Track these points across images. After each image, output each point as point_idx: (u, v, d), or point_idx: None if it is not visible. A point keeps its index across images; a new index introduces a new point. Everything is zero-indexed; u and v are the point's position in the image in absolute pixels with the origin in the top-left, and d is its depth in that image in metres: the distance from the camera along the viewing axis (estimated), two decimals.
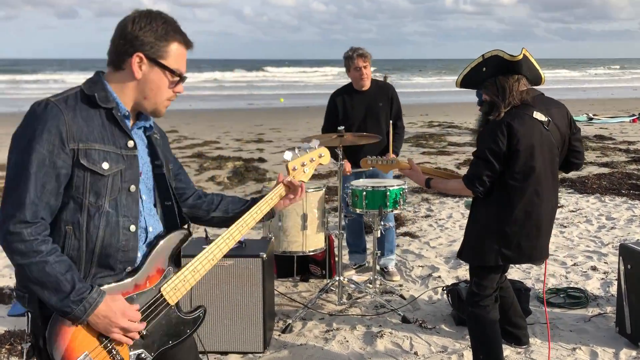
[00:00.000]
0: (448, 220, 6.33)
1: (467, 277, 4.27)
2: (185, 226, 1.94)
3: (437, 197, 7.39)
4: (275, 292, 4.02)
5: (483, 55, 2.80)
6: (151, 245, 1.85)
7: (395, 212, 4.35)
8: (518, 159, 2.72)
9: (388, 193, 4.09)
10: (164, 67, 1.78)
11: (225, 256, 3.40)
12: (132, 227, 1.78)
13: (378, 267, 4.75)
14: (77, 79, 42.20)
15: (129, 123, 1.81)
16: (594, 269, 4.75)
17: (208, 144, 13.18)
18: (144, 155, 1.88)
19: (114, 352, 1.74)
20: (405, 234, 5.80)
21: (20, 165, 1.64)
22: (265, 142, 13.32)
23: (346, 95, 4.66)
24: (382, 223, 4.50)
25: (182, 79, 1.83)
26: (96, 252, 1.73)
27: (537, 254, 2.91)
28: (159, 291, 1.82)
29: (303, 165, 2.21)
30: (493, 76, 2.79)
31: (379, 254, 4.52)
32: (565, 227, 6.03)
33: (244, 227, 1.99)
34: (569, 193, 7.58)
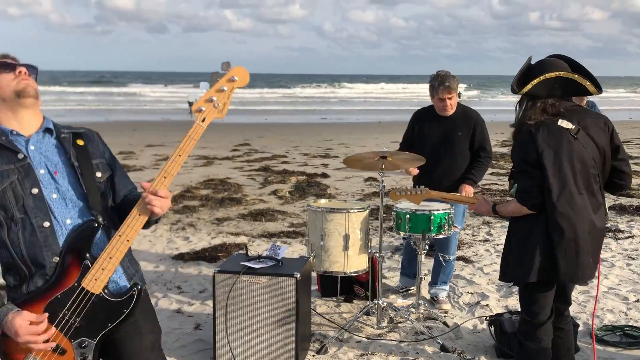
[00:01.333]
0: None
1: (517, 307, 4.12)
2: (90, 218, 2.04)
3: (500, 222, 7.15)
4: (314, 312, 4.02)
5: (545, 76, 2.71)
6: (67, 247, 1.99)
7: (452, 235, 4.25)
8: (546, 169, 2.65)
9: (432, 217, 4.01)
10: None
11: (261, 274, 3.46)
12: (46, 223, 2.00)
13: (428, 296, 4.66)
14: (158, 91, 44.25)
15: (22, 137, 2.06)
16: None
17: (276, 157, 13.42)
18: (53, 156, 2.09)
19: (56, 347, 1.95)
20: (459, 258, 5.65)
21: None
22: (331, 157, 13.40)
23: (426, 118, 4.53)
24: (443, 255, 4.43)
25: (6, 64, 2.04)
26: (25, 254, 1.99)
27: (579, 273, 2.75)
28: (80, 285, 1.97)
29: (211, 101, 2.04)
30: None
31: (423, 278, 4.42)
32: (634, 259, 5.68)
33: (126, 235, 2.01)
34: None
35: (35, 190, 2.00)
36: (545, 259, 2.72)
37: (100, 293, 1.99)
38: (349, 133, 18.81)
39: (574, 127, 2.69)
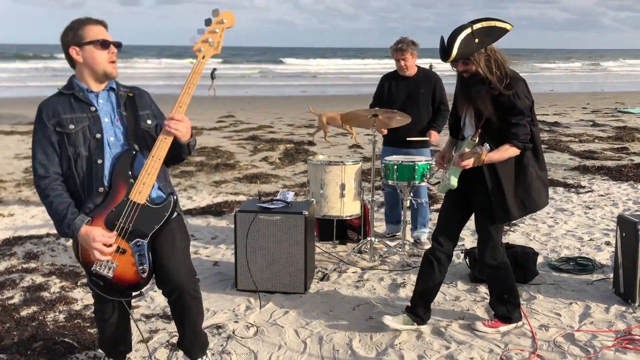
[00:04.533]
0: None
1: None
2: (129, 148, 2.64)
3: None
4: (317, 250, 4.69)
5: (472, 27, 3.06)
6: (113, 171, 2.60)
7: (423, 184, 4.92)
8: (535, 114, 3.22)
9: (416, 167, 4.68)
10: (88, 43, 2.57)
11: (274, 213, 4.10)
12: (99, 161, 2.60)
13: (411, 239, 5.35)
14: (140, 64, 43.96)
15: (93, 94, 2.65)
16: (607, 243, 5.19)
17: (262, 127, 13.98)
18: (110, 109, 2.67)
19: (117, 248, 2.56)
20: (438, 210, 6.35)
21: (32, 146, 2.62)
22: (315, 127, 13.99)
23: (393, 79, 5.24)
24: (415, 199, 5.11)
25: (105, 43, 2.59)
26: (85, 182, 2.60)
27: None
28: (128, 198, 2.56)
29: (207, 42, 2.60)
30: (484, 47, 3.09)
31: (409, 224, 5.12)
32: (591, 208, 6.44)
33: (157, 155, 2.58)
34: (603, 180, 7.91)
35: (98, 135, 2.61)
36: (546, 185, 3.33)
37: (145, 203, 2.59)
38: (330, 105, 19.36)
39: None
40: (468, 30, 3.05)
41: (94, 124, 2.62)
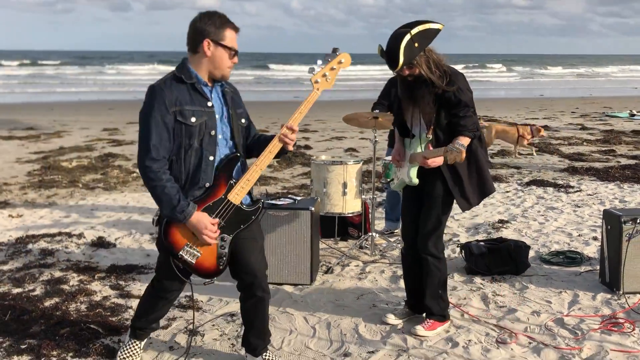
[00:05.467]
0: None
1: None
2: (235, 151, 2.82)
3: None
4: (320, 246, 4.94)
5: (410, 32, 3.18)
6: (218, 168, 2.78)
7: None
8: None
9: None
10: (224, 47, 2.72)
11: (282, 208, 4.35)
12: (211, 158, 2.76)
13: None
14: (135, 70, 44.19)
15: (209, 88, 2.77)
16: (594, 238, 5.48)
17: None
18: (220, 106, 2.81)
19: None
20: None
21: (145, 126, 2.66)
22: (310, 131, 14.27)
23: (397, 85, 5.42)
24: None
25: (236, 52, 2.77)
26: (190, 173, 2.74)
27: None
28: (226, 197, 2.76)
29: (324, 76, 2.84)
30: (423, 49, 3.23)
31: None
32: (579, 207, 6.73)
33: (262, 164, 2.80)
34: (591, 180, 8.22)
35: (212, 132, 2.75)
36: (489, 173, 3.57)
37: (239, 204, 2.79)
38: (324, 110, 19.64)
39: None
40: (408, 37, 3.18)
41: (209, 119, 2.74)
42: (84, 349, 3.31)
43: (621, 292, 4.09)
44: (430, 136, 3.44)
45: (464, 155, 3.18)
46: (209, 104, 2.77)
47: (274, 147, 2.79)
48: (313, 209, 4.34)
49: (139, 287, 4.30)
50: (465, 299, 4.12)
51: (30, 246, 5.33)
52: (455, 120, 3.36)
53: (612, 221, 4.17)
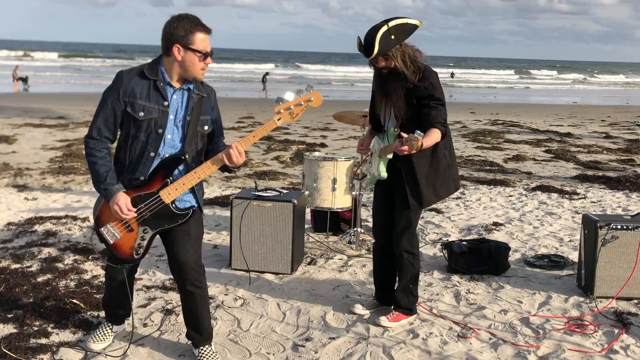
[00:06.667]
0: (475, 202, 7.16)
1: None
2: (181, 153, 2.88)
3: (474, 184, 8.20)
4: (310, 239, 5.08)
5: (388, 24, 3.29)
6: (159, 166, 2.88)
7: None
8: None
9: None
10: (194, 50, 2.79)
11: (266, 200, 4.51)
12: (152, 154, 2.87)
13: None
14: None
15: (172, 88, 2.84)
16: None
17: (278, 129, 14.40)
18: (182, 108, 2.88)
19: (127, 225, 2.91)
20: (431, 209, 6.71)
21: (99, 106, 2.87)
22: (330, 130, 14.42)
23: None
24: None
25: (207, 55, 2.82)
26: (132, 162, 2.88)
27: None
28: (157, 193, 2.87)
29: (289, 109, 2.87)
30: (399, 43, 3.32)
31: None
32: (579, 213, 6.71)
33: (201, 173, 2.88)
34: (600, 188, 8.15)
35: (160, 130, 2.84)
36: (456, 175, 3.65)
37: (169, 203, 2.89)
38: (349, 109, 19.74)
39: None
40: (385, 28, 3.28)
41: (161, 118, 2.83)
42: (64, 321, 3.54)
43: (594, 296, 4.13)
44: (398, 130, 3.50)
45: (420, 143, 3.15)
46: (165, 103, 2.85)
47: (217, 160, 2.86)
48: (296, 201, 4.50)
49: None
50: (437, 294, 4.22)
51: (36, 227, 5.63)
52: (426, 110, 3.39)
53: (589, 226, 4.21)
